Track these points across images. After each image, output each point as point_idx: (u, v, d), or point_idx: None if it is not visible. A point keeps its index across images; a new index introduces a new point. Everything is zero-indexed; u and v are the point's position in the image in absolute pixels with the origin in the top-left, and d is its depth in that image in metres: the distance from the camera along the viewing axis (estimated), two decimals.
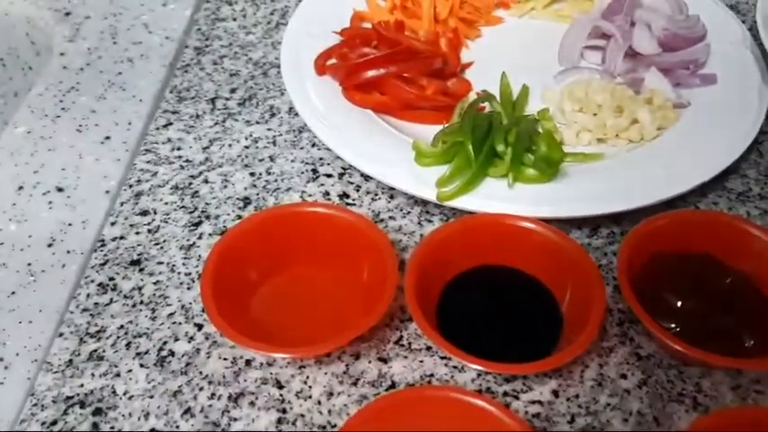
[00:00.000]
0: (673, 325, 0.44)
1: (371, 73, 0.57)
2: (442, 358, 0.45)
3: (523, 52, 0.65)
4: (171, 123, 0.60)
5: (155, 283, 0.49)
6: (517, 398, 0.43)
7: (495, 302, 0.46)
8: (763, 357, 0.42)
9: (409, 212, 0.53)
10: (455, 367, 0.44)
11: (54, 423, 0.42)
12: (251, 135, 0.59)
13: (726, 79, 0.59)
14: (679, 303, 0.44)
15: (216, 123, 0.60)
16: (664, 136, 0.55)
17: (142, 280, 0.49)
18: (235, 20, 0.71)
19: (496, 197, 0.50)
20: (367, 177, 0.55)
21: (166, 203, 0.54)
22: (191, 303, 0.48)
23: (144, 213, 0.53)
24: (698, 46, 0.61)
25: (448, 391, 0.39)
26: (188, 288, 0.49)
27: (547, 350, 0.43)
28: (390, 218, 0.53)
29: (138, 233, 0.52)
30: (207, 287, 0.43)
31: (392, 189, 0.54)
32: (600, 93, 0.57)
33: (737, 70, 0.60)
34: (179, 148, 0.58)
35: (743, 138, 0.54)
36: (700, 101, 0.58)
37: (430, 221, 0.52)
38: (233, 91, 0.63)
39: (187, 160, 0.57)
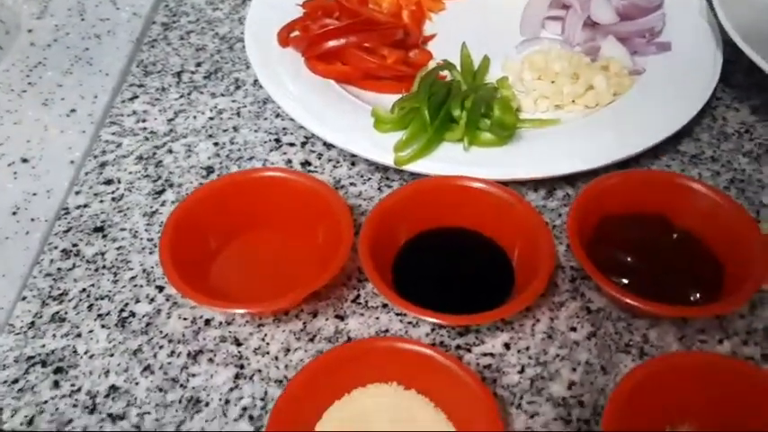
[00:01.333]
0: (623, 280, 0.45)
1: (332, 43, 0.58)
2: (398, 314, 0.46)
3: (486, 25, 0.66)
4: (137, 96, 0.61)
5: (117, 249, 0.50)
6: (469, 350, 0.44)
7: (449, 262, 0.47)
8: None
9: (370, 179, 0.54)
10: (410, 323, 0.45)
11: (15, 381, 0.43)
12: (215, 107, 0.60)
13: (681, 47, 0.60)
14: (629, 259, 0.46)
15: (181, 96, 0.61)
16: (618, 101, 0.57)
17: (105, 246, 0.50)
18: None
19: (453, 160, 0.51)
20: (329, 146, 0.56)
21: (130, 173, 0.55)
22: (152, 267, 0.49)
23: (108, 182, 0.54)
24: (654, 14, 0.62)
25: (396, 341, 0.40)
26: (150, 253, 0.49)
27: (497, 303, 0.44)
28: (351, 184, 0.54)
29: (101, 201, 0.53)
30: (165, 250, 0.44)
31: (353, 157, 0.55)
32: (557, 61, 0.58)
33: (693, 39, 0.61)
34: (144, 120, 0.59)
35: (695, 102, 0.55)
36: (655, 68, 0.59)
37: (389, 187, 0.53)
38: (199, 65, 0.64)
39: (152, 132, 0.58)
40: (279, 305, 0.44)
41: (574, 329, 0.45)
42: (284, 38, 0.61)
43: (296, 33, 0.61)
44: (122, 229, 0.51)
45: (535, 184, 0.53)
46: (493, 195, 0.47)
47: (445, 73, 0.59)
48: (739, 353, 0.43)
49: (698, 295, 0.44)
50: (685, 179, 0.48)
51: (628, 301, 0.42)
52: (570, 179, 0.53)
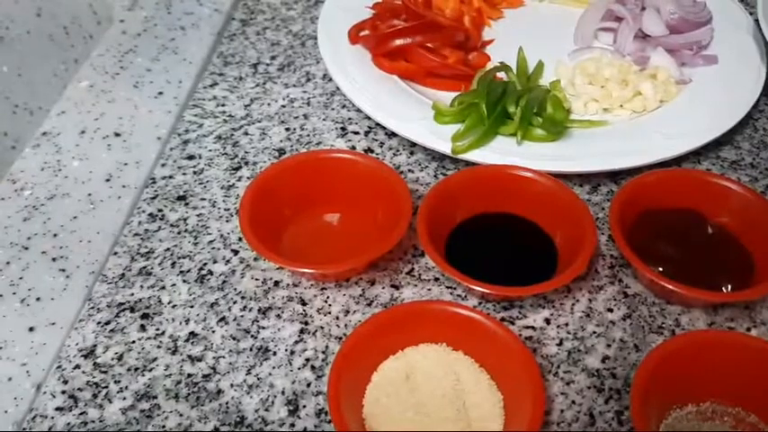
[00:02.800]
0: (660, 269, 0.48)
1: (399, 42, 0.63)
2: (448, 287, 0.50)
3: (542, 33, 0.70)
4: (216, 84, 0.67)
5: (198, 216, 0.55)
6: (513, 323, 0.48)
7: (499, 244, 0.52)
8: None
9: (427, 167, 0.59)
10: (459, 296, 0.50)
11: (107, 323, 0.48)
12: (288, 96, 0.66)
13: (727, 60, 0.64)
14: (665, 249, 0.49)
15: (257, 85, 0.67)
16: (664, 107, 0.60)
17: (187, 212, 0.55)
18: None
19: (506, 152, 0.55)
20: (390, 135, 0.61)
21: (210, 150, 0.61)
22: (229, 233, 0.54)
23: (190, 158, 0.60)
24: (702, 29, 0.65)
25: (447, 305, 0.45)
26: (227, 221, 0.55)
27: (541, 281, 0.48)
28: (409, 170, 0.59)
29: (184, 174, 0.58)
30: (244, 214, 0.49)
31: (413, 146, 0.60)
32: (608, 67, 0.62)
33: (738, 53, 0.64)
34: (223, 105, 0.65)
35: (737, 112, 0.59)
36: (701, 79, 0.63)
37: (445, 175, 0.58)
38: (273, 58, 0.70)
39: (230, 115, 0.64)
40: (341, 269, 0.48)
41: (610, 310, 0.49)
42: (354, 36, 0.66)
43: (365, 32, 0.67)
44: (202, 199, 0.56)
45: (581, 179, 0.57)
46: (540, 184, 0.51)
47: (502, 74, 0.63)
48: (765, 338, 0.47)
49: (729, 287, 0.47)
50: (719, 178, 0.51)
51: (662, 283, 0.46)
52: (614, 176, 0.57)
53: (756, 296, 0.46)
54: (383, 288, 0.50)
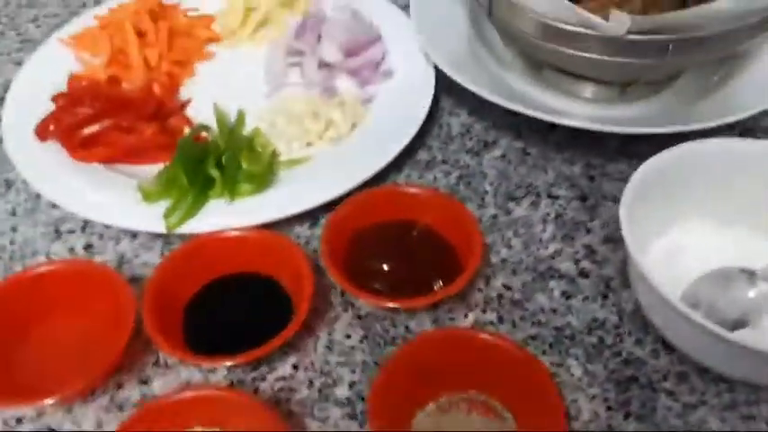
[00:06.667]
0: (377, 286, 0.53)
1: (89, 130, 0.61)
2: (196, 365, 0.51)
3: (236, 81, 0.73)
4: None
5: None
6: (264, 379, 0.50)
7: (234, 307, 0.53)
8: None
9: (152, 247, 0.59)
10: (209, 371, 0.51)
11: None
12: None
13: (401, 69, 0.70)
14: (378, 265, 0.54)
15: None
16: (357, 130, 0.65)
17: None
18: None
19: (219, 214, 0.57)
20: (107, 224, 0.60)
21: None
22: None
23: None
24: (374, 47, 0.71)
25: (189, 391, 0.46)
26: None
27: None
28: (135, 256, 0.58)
29: None
30: None
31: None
32: (296, 103, 0.66)
33: (410, 61, 0.71)
34: None
35: (418, 114, 0.65)
36: (384, 94, 0.69)
37: (170, 249, 0.58)
38: None
39: None
40: (78, 387, 0.47)
41: (348, 336, 0.52)
42: (42, 132, 0.63)
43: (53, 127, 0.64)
44: None
45: (300, 216, 0.60)
46: (250, 238, 0.54)
47: (205, 134, 0.65)
48: (481, 320, 0.53)
49: (440, 282, 0.53)
50: (407, 186, 0.58)
51: (376, 302, 0.50)
52: (329, 206, 0.60)
53: (460, 287, 0.51)
54: (132, 388, 0.50)
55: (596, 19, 0.53)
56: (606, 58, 0.56)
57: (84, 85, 0.66)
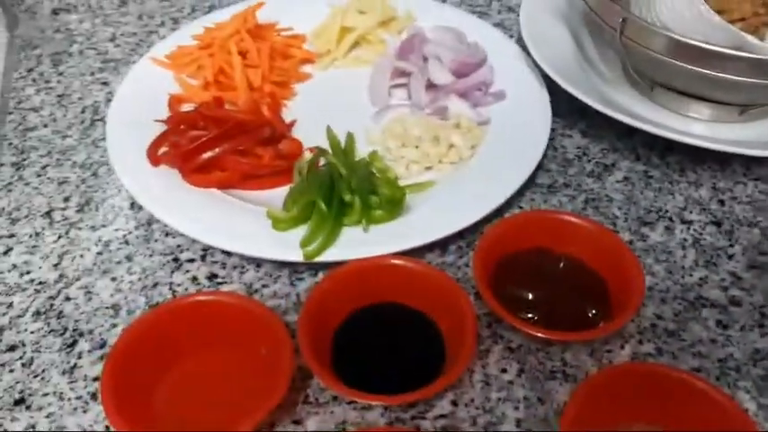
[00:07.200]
0: (529, 315, 0.51)
1: (208, 155, 0.59)
2: (349, 403, 0.48)
3: (338, 101, 0.71)
4: (11, 249, 0.58)
5: (47, 417, 0.48)
6: (424, 418, 0.48)
7: (382, 337, 0.51)
8: (605, 323, 0.50)
9: (279, 276, 0.56)
10: (363, 408, 0.48)
11: None
12: (100, 240, 0.59)
13: (513, 92, 0.69)
14: (530, 295, 0.52)
15: (59, 237, 0.59)
16: (478, 151, 0.63)
17: (32, 417, 0.48)
18: (46, 126, 0.70)
19: (355, 242, 0.55)
20: (228, 253, 0.57)
21: (32, 332, 0.53)
22: (91, 425, 0.47)
23: (11, 349, 0.52)
24: (483, 68, 0.70)
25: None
26: (84, 411, 0.48)
27: (436, 368, 0.48)
28: (263, 286, 0.56)
29: (11, 371, 0.50)
30: (108, 398, 0.43)
31: (256, 258, 0.57)
32: (415, 127, 0.64)
33: (520, 81, 0.70)
34: (27, 272, 0.57)
35: (541, 137, 0.63)
36: (498, 116, 0.67)
37: (301, 279, 0.56)
38: (67, 200, 0.63)
39: (40, 282, 0.56)
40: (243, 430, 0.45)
41: (504, 371, 0.50)
42: (154, 156, 0.61)
43: (164, 150, 0.62)
44: (45, 395, 0.49)
45: (429, 244, 0.57)
46: (403, 267, 0.51)
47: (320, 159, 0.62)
48: (638, 351, 0.51)
49: (593, 311, 0.51)
50: (558, 213, 0.55)
51: (538, 334, 0.48)
52: (459, 233, 0.58)
53: (624, 322, 0.49)
54: (284, 427, 0.47)
55: (753, 40, 0.52)
56: (756, 80, 0.55)
57: (195, 108, 0.64)
